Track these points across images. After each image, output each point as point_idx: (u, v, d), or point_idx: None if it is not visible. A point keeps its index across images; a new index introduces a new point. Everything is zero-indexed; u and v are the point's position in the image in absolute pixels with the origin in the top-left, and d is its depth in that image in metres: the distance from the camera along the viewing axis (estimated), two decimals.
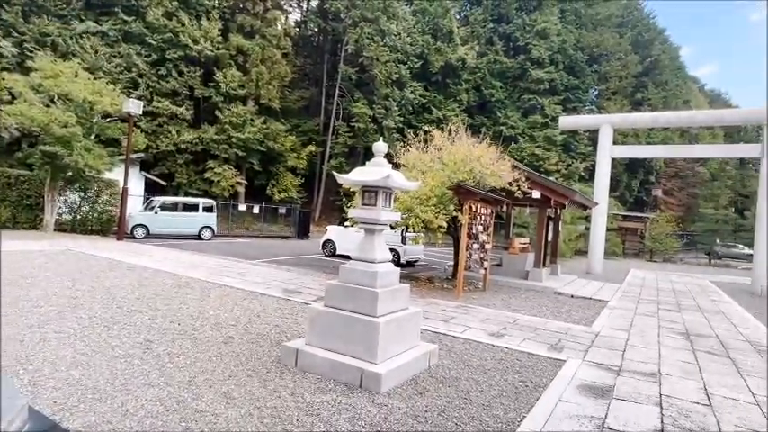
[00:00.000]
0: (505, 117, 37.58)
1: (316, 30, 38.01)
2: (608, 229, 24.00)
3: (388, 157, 5.76)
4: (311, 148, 31.86)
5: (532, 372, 5.16)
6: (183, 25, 25.78)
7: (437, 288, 10.83)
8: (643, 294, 12.65)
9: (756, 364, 6.20)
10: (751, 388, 5.15)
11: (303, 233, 25.69)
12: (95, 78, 17.76)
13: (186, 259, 12.37)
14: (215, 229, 20.63)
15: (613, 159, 19.88)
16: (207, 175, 26.98)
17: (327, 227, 18.94)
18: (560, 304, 10.03)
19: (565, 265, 18.53)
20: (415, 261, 16.16)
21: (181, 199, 21.31)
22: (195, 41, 25.89)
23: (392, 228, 12.77)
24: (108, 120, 17.49)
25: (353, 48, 32.37)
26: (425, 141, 11.91)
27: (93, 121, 16.73)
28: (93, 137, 16.68)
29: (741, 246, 34.17)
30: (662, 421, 4.00)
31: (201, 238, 19.74)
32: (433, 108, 35.72)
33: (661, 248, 31.27)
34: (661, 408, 4.32)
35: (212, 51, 26.55)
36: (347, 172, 4.92)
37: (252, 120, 27.80)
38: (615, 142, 19.94)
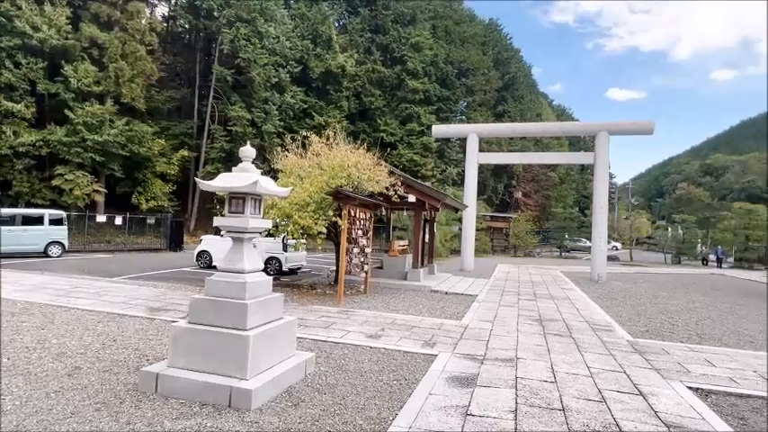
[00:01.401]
0: (385, 124, 38.92)
1: (186, 26, 35.48)
2: (478, 229, 26.16)
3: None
4: (184, 152, 29.58)
5: (407, 369, 5.37)
6: (20, 9, 22.18)
7: (319, 294, 10.76)
8: (507, 287, 14.01)
9: (592, 341, 7.21)
10: (587, 362, 5.97)
11: (176, 245, 23.72)
12: None
13: (27, 281, 10.61)
14: (66, 245, 18.04)
15: (480, 165, 21.74)
16: (56, 182, 23.46)
17: (202, 237, 17.74)
18: (435, 302, 10.63)
19: (441, 264, 19.74)
20: (298, 268, 15.88)
21: (20, 210, 18.20)
22: (36, 29, 22.42)
23: (271, 235, 12.43)
24: None
25: (229, 48, 30.85)
26: (304, 146, 11.81)
27: None
28: None
29: (584, 240, 39.71)
30: (516, 402, 4.43)
31: (49, 256, 17.13)
32: (314, 114, 35.59)
33: (522, 244, 35.03)
34: (516, 390, 4.78)
35: (59, 41, 23.23)
36: None
37: (111, 120, 24.87)
38: (481, 149, 21.84)
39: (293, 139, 11.96)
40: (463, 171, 21.99)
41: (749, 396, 5.05)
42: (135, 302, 8.57)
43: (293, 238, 10.83)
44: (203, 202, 30.74)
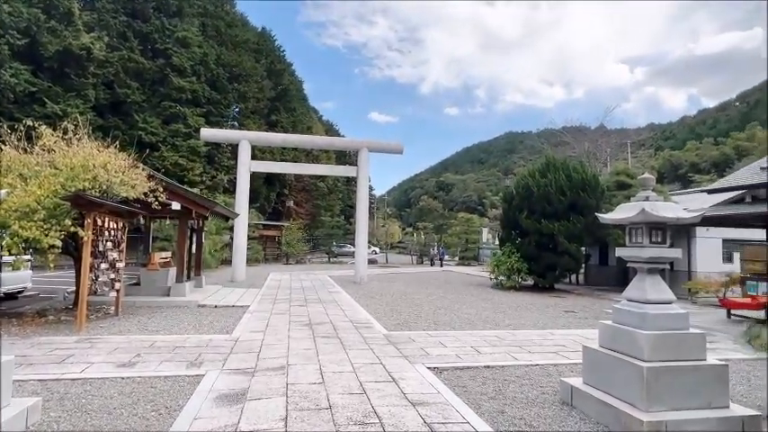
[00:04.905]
0: (144, 122, 34.50)
1: None
2: (250, 238, 25.70)
3: None
4: None
5: (168, 396, 4.88)
6: None
7: (51, 322, 8.79)
8: (279, 295, 14.15)
9: (355, 339, 7.93)
10: (351, 359, 6.54)
11: None
12: None
13: None
14: None
15: (253, 173, 21.42)
16: None
17: None
18: (203, 317, 9.96)
19: (211, 276, 18.63)
20: (19, 292, 12.62)
21: None
22: None
23: None
24: None
25: None
26: (30, 140, 9.54)
27: None
28: None
29: (349, 245, 43.38)
30: (287, 409, 4.53)
31: None
32: (47, 100, 28.92)
33: (294, 252, 35.98)
34: (287, 397, 4.88)
35: None
36: None
37: None
38: (254, 157, 21.61)
39: (14, 129, 9.53)
40: (235, 178, 21.28)
41: (468, 367, 6.37)
42: None
43: (12, 254, 8.58)
44: None
